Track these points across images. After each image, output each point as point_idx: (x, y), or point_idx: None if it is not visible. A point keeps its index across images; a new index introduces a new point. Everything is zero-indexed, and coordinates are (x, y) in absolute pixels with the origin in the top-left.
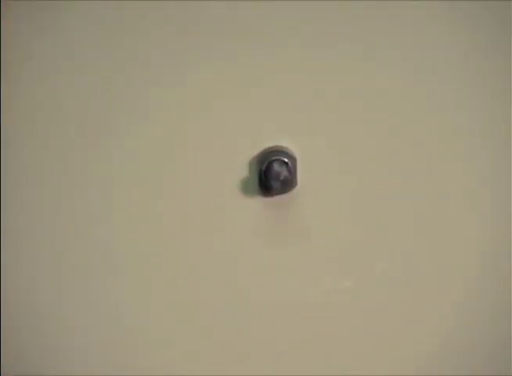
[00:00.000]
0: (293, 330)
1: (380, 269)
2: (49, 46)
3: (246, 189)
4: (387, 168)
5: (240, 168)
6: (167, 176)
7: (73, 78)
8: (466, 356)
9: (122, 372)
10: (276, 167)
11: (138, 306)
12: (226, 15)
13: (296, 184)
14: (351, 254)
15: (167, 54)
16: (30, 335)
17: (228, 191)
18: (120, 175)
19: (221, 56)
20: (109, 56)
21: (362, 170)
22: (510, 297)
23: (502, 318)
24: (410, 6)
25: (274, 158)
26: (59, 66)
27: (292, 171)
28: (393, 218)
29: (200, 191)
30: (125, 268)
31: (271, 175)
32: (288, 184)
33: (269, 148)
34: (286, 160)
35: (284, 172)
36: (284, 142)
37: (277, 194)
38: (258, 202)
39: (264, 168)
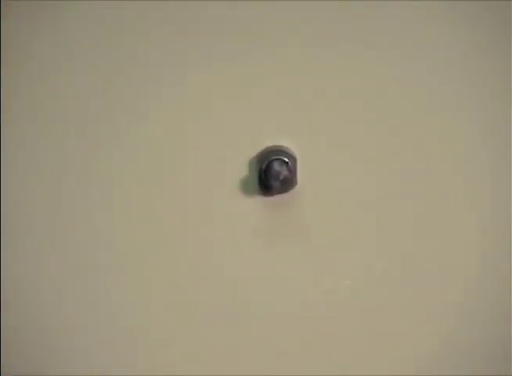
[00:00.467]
0: (294, 329)
1: (380, 269)
2: (49, 46)
3: (246, 188)
4: (387, 168)
5: (240, 168)
6: (167, 176)
7: (73, 78)
8: (466, 356)
9: (122, 372)
10: (276, 166)
11: (138, 306)
12: (226, 15)
13: (296, 184)
14: (351, 253)
15: (167, 54)
16: (30, 335)
17: (228, 191)
18: (120, 174)
19: (221, 56)
20: (109, 56)
21: (362, 170)
22: (510, 297)
23: (502, 318)
24: (410, 6)
25: (274, 158)
26: (59, 66)
27: (292, 171)
28: (393, 218)
29: (200, 191)
30: (125, 267)
31: (271, 175)
32: (288, 184)
33: (269, 147)
34: (286, 159)
35: (284, 172)
36: (284, 142)
37: (277, 194)
38: (258, 202)
39: (264, 167)
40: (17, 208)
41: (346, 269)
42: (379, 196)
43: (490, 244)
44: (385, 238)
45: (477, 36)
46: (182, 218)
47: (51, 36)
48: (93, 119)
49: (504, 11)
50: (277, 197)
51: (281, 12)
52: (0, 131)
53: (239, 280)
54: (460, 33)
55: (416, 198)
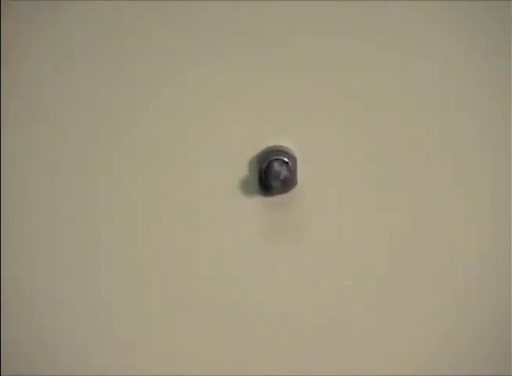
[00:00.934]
0: (294, 329)
1: (380, 269)
2: (49, 46)
3: (246, 188)
4: (387, 168)
5: (240, 168)
6: (167, 176)
7: (73, 78)
8: (466, 356)
9: (122, 372)
10: (276, 166)
11: (138, 306)
12: (226, 15)
13: (296, 183)
14: (351, 253)
15: (167, 54)
16: (30, 335)
17: (228, 190)
18: (120, 174)
19: (221, 56)
20: (110, 56)
21: (362, 169)
22: (510, 297)
23: (502, 318)
24: (410, 6)
25: (274, 158)
26: (59, 66)
27: (292, 171)
28: (393, 218)
29: (200, 190)
30: (125, 267)
31: (271, 175)
32: (288, 183)
33: (269, 147)
34: (286, 159)
35: (284, 172)
36: (284, 142)
37: (277, 194)
38: (258, 201)
39: (264, 167)
40: (17, 208)
41: (346, 269)
42: (379, 195)
43: (490, 244)
44: (385, 238)
45: (477, 36)
46: (182, 218)
47: (51, 36)
48: (93, 119)
49: (504, 11)
50: (277, 197)
51: (281, 13)
52: (0, 131)
53: (239, 279)
54: (460, 33)
55: (416, 198)
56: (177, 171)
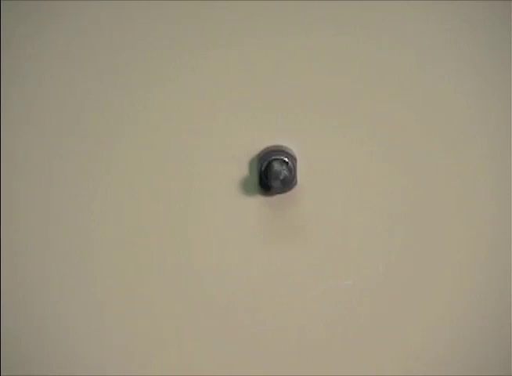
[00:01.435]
0: (294, 329)
1: (380, 269)
2: (49, 46)
3: (246, 188)
4: (388, 168)
5: (240, 168)
6: (167, 176)
7: (74, 78)
8: (467, 355)
9: (122, 372)
10: (276, 166)
11: (138, 306)
12: (226, 15)
13: (296, 183)
14: (352, 253)
15: (167, 54)
16: (30, 335)
17: (228, 190)
18: (120, 174)
19: (221, 56)
20: (109, 56)
21: (362, 169)
22: (510, 297)
23: (502, 318)
24: (410, 6)
25: (274, 157)
26: (59, 66)
27: (292, 171)
28: (393, 218)
29: (200, 190)
30: (126, 267)
31: (271, 175)
32: (288, 183)
33: (269, 147)
34: (286, 159)
35: (284, 171)
36: (284, 142)
37: (277, 193)
38: (258, 201)
39: (264, 167)
40: (17, 209)
41: (346, 269)
42: (379, 195)
43: (490, 244)
44: (385, 238)
45: (477, 36)
46: (182, 217)
47: (51, 36)
48: (93, 119)
49: (504, 11)
50: (277, 197)
51: (281, 12)
52: (0, 131)
53: (240, 279)
54: (460, 33)
55: (416, 198)
56: (177, 171)
